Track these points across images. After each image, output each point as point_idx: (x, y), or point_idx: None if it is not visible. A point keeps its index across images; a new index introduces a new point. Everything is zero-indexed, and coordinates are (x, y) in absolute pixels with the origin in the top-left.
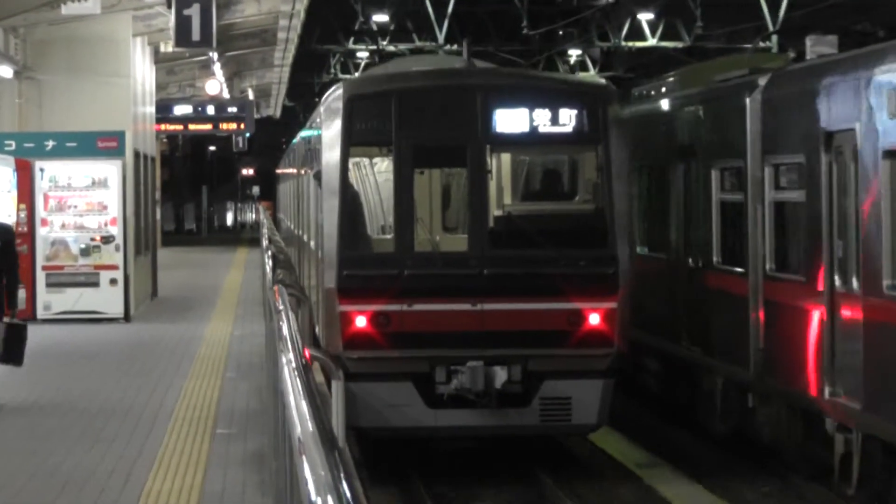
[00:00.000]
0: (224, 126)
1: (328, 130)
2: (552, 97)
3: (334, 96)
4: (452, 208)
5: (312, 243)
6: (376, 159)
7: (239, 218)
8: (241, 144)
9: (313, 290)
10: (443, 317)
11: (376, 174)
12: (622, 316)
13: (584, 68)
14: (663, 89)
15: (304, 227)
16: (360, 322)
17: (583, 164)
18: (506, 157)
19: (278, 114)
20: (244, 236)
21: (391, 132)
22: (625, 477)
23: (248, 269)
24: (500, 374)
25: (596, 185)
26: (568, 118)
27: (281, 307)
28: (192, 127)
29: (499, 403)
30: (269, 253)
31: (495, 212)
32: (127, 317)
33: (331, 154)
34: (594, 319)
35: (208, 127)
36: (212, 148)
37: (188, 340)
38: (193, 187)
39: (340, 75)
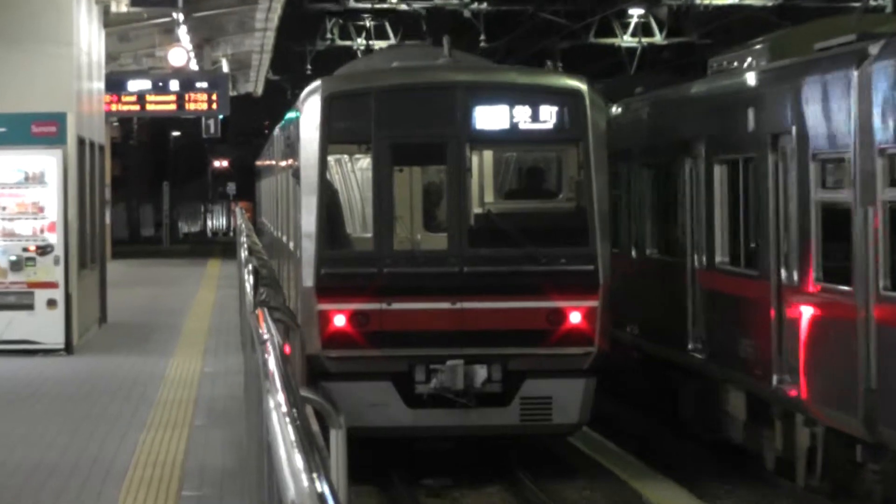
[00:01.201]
0: (191, 106)
1: (306, 128)
2: (533, 94)
3: (312, 94)
4: (433, 206)
5: (291, 243)
6: (356, 156)
7: (211, 223)
8: (212, 130)
9: (292, 289)
10: (422, 315)
11: (356, 171)
12: (603, 314)
13: (648, 32)
14: (748, 60)
15: (284, 228)
16: (339, 321)
17: (563, 162)
18: (487, 155)
19: (260, 90)
20: (217, 246)
21: (370, 130)
22: (607, 478)
23: (223, 288)
24: (480, 374)
25: (577, 183)
26: (548, 115)
27: (266, 335)
28: (151, 107)
29: (479, 403)
30: (250, 267)
31: (475, 210)
32: (69, 348)
33: (309, 152)
34: (575, 318)
35: (171, 107)
36: (176, 134)
37: (147, 379)
38: (152, 184)
39: (339, 41)
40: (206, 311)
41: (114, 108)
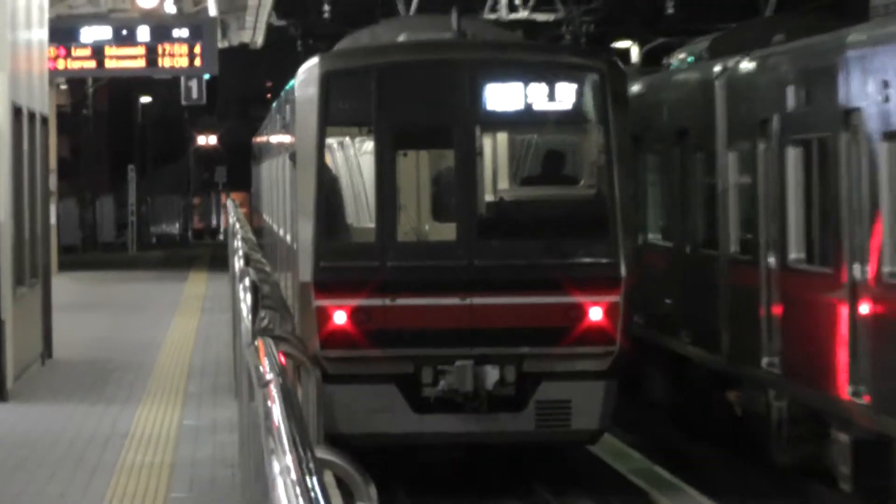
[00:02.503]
0: (166, 63)
1: (302, 109)
2: (548, 72)
3: (309, 72)
4: (442, 194)
5: (287, 234)
6: (357, 139)
7: (193, 221)
8: (195, 95)
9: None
10: (429, 312)
11: (357, 156)
12: (626, 311)
13: None
14: None
15: (282, 221)
16: (339, 318)
17: (583, 146)
18: (501, 138)
19: (260, 41)
20: (202, 253)
21: (371, 111)
22: (632, 492)
23: (210, 312)
24: (492, 375)
25: (597, 169)
26: (566, 95)
27: (269, 376)
28: (111, 64)
29: (490, 407)
30: (247, 282)
31: (487, 198)
32: (1, 393)
33: (305, 135)
34: (595, 315)
35: (139, 64)
36: (145, 101)
37: (105, 436)
38: (114, 170)
39: None
40: (186, 344)
41: (61, 65)
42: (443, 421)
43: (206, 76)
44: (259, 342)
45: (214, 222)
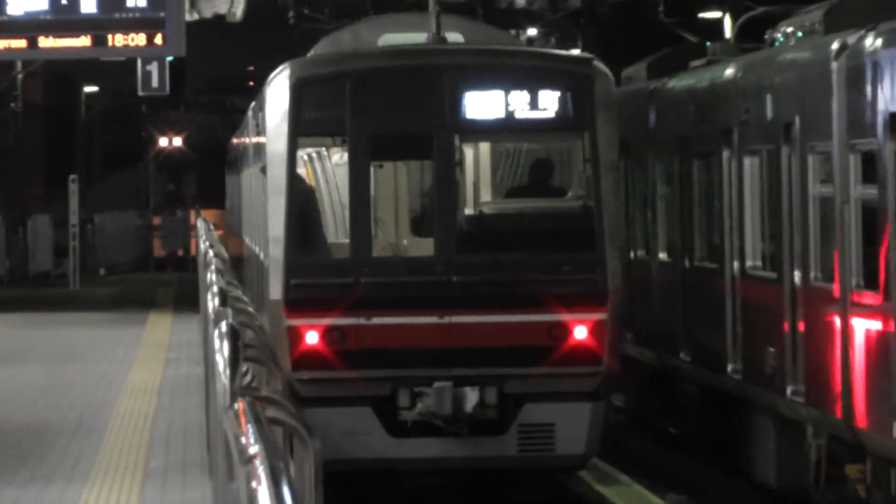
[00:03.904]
0: (118, 42)
1: (272, 119)
2: (531, 78)
3: (279, 79)
4: (420, 207)
5: (258, 250)
6: (331, 150)
7: (154, 246)
8: (155, 83)
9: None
10: (406, 331)
11: (331, 167)
12: (613, 329)
13: None
14: None
15: (255, 237)
16: (311, 338)
17: (567, 155)
18: (484, 148)
19: (240, 13)
20: (166, 287)
21: (345, 120)
22: None
23: (176, 364)
24: (472, 397)
25: (582, 179)
26: (549, 102)
27: (254, 449)
28: (47, 44)
29: (471, 431)
30: (223, 327)
31: (467, 210)
32: None
33: (276, 146)
34: (580, 333)
35: (83, 44)
36: (90, 90)
37: None
38: (51, 179)
39: None
40: (146, 405)
41: None
42: (421, 445)
43: (170, 59)
44: (240, 405)
45: (181, 248)
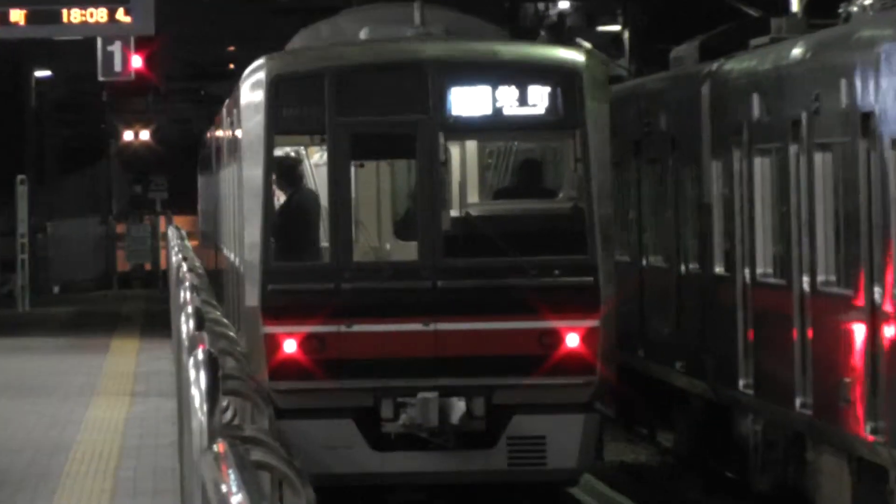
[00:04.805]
0: (74, 17)
1: (249, 117)
2: (519, 72)
3: (255, 76)
4: (404, 209)
5: (234, 255)
6: (310, 149)
7: (117, 259)
8: (118, 67)
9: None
10: (389, 339)
11: (312, 168)
12: (606, 337)
13: None
14: None
15: (231, 243)
16: (290, 347)
17: (557, 154)
18: (471, 146)
19: None
20: (132, 308)
21: (324, 118)
22: None
23: (145, 398)
24: (459, 408)
25: (573, 179)
26: (538, 97)
27: (237, 498)
28: None
29: (458, 444)
30: (200, 355)
31: (452, 212)
32: None
33: (252, 145)
34: (572, 341)
35: (32, 18)
36: (42, 75)
37: None
38: None
39: None
40: (109, 446)
41: None
42: (405, 459)
43: (133, 37)
44: (220, 446)
45: (150, 261)
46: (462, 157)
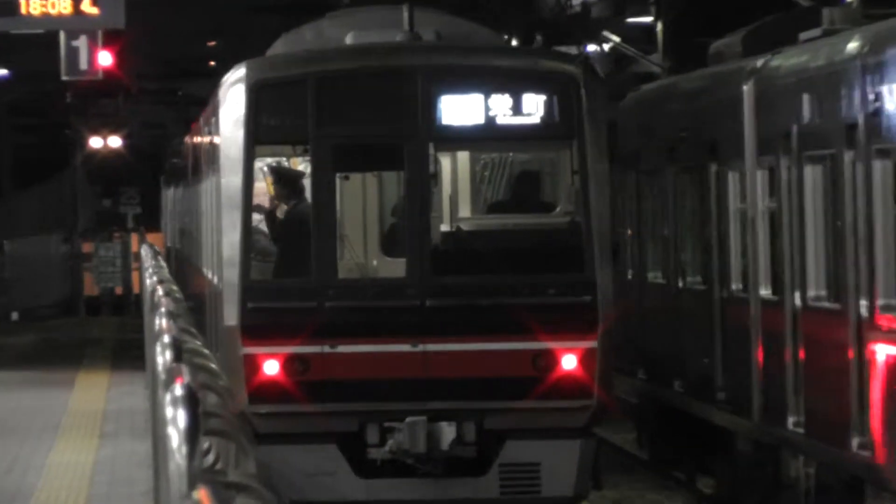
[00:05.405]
0: (35, 8)
1: (227, 126)
2: (513, 80)
3: (234, 82)
4: (391, 224)
5: (211, 273)
6: (293, 160)
7: (84, 282)
8: (84, 65)
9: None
10: (375, 361)
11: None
12: (604, 358)
13: None
14: None
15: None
16: (271, 368)
17: (552, 166)
18: (462, 158)
19: None
20: (100, 337)
21: (307, 127)
22: None
23: (113, 441)
24: (448, 433)
25: (569, 193)
26: (533, 106)
27: None
28: None
29: (447, 471)
30: (178, 390)
31: (442, 227)
32: None
33: (230, 156)
34: (568, 363)
35: None
36: (0, 74)
37: None
38: None
39: None
40: (72, 497)
41: None
42: (392, 487)
43: (101, 32)
44: (201, 493)
45: (121, 285)
46: (453, 168)
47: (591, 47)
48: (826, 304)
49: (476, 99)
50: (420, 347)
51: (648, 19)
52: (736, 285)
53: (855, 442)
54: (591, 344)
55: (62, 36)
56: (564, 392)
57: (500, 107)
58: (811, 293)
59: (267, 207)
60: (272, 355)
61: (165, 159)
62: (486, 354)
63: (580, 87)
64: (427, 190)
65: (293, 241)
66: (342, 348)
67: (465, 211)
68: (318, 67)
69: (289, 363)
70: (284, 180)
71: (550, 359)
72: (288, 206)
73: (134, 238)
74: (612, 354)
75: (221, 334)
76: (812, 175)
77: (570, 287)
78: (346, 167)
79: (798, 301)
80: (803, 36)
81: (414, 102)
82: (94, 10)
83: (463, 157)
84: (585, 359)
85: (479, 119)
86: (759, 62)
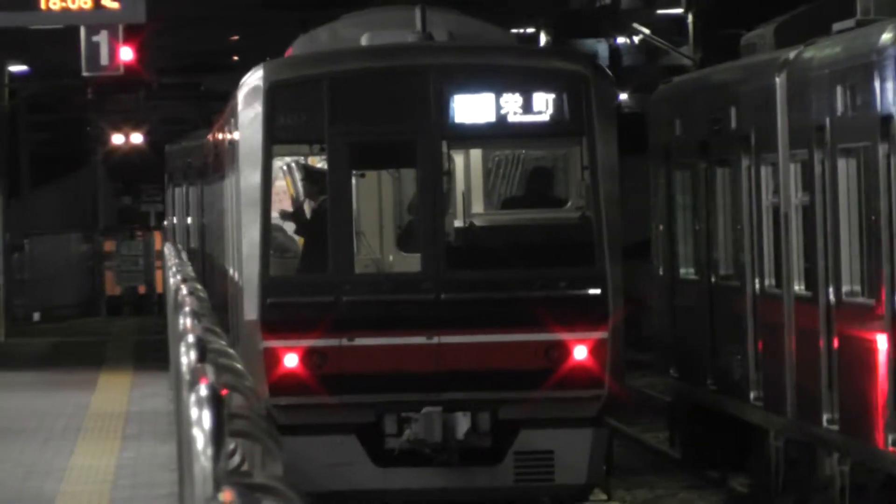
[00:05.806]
0: (54, 3)
1: (245, 126)
2: (524, 79)
3: (252, 83)
4: (406, 220)
5: (232, 269)
6: (310, 159)
7: (106, 281)
8: (104, 60)
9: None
10: (391, 353)
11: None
12: (614, 349)
13: None
14: None
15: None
16: (290, 361)
17: (565, 163)
18: (475, 155)
19: None
20: (122, 337)
21: (323, 126)
22: None
23: (136, 443)
24: (463, 423)
25: (580, 188)
26: (544, 104)
27: None
28: None
29: (462, 460)
30: (203, 391)
31: (456, 223)
32: None
33: (249, 155)
34: (579, 354)
35: (3, 7)
36: (17, 70)
37: None
38: None
39: None
40: (97, 497)
41: None
42: (408, 476)
43: (123, 26)
44: (226, 495)
45: (143, 284)
46: (466, 165)
47: (621, 39)
48: (860, 300)
49: (487, 97)
50: (435, 340)
51: (679, 11)
52: (769, 281)
53: (890, 439)
54: (602, 335)
55: (82, 31)
56: (576, 382)
57: (512, 105)
58: (845, 288)
59: (290, 210)
60: (292, 349)
61: (167, 159)
62: (500, 346)
63: (589, 84)
64: (440, 187)
65: (320, 236)
66: (359, 341)
67: (478, 207)
68: (332, 68)
69: (308, 356)
70: (313, 178)
71: (562, 350)
72: (316, 202)
73: (157, 236)
74: (622, 345)
75: (242, 328)
76: (846, 168)
77: (581, 280)
78: (361, 165)
79: (832, 296)
80: (836, 27)
81: (427, 101)
82: (115, 5)
83: (475, 154)
84: (596, 350)
85: (491, 117)
86: (792, 54)
